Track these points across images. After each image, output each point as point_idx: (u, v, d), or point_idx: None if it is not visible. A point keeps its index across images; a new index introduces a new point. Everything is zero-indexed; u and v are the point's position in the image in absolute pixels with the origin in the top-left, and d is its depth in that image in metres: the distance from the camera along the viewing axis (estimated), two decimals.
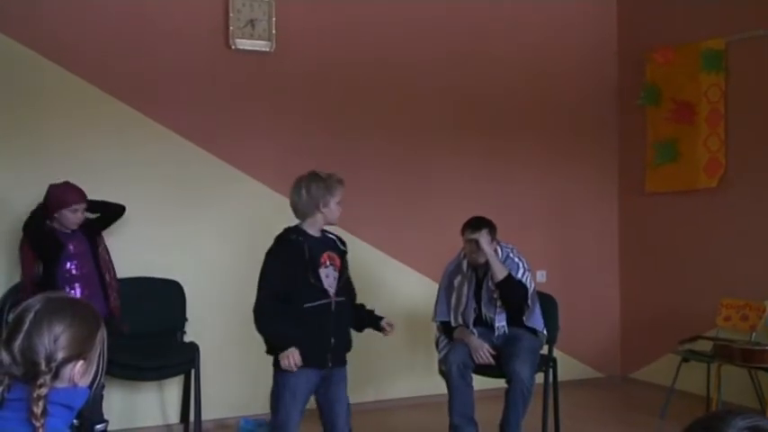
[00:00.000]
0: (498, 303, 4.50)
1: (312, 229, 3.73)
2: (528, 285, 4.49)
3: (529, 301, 4.49)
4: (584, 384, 6.21)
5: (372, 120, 5.75)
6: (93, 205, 4.68)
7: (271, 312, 3.63)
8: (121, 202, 4.80)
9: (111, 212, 4.76)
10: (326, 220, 3.73)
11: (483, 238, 4.45)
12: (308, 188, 3.69)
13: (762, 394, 5.15)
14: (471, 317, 4.55)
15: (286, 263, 3.65)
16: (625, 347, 6.53)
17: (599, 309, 6.48)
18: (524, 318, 4.51)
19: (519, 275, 4.47)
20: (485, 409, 4.61)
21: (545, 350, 4.69)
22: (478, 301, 4.56)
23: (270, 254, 3.72)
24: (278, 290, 3.63)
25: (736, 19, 5.59)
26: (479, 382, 4.62)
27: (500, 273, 4.42)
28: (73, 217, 4.45)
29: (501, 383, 4.46)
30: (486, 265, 4.49)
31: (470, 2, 6.02)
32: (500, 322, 4.51)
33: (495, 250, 4.50)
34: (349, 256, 3.87)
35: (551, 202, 6.33)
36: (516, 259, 4.55)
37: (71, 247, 4.47)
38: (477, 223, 4.52)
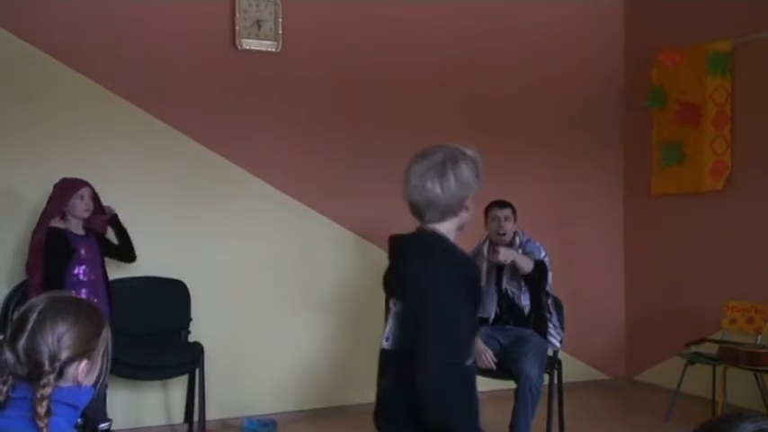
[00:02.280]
0: (522, 281, 4.58)
1: (453, 237, 2.44)
2: (548, 265, 4.61)
3: (549, 277, 4.60)
4: (589, 386, 6.19)
5: (378, 120, 5.74)
6: (122, 232, 4.72)
7: (470, 382, 2.35)
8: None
9: (125, 250, 4.76)
10: (463, 222, 2.49)
11: (509, 217, 4.69)
12: (458, 172, 2.39)
13: None
14: (494, 297, 4.63)
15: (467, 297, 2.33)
16: (630, 349, 6.51)
17: (604, 310, 6.46)
18: (547, 287, 4.63)
19: (541, 257, 4.61)
20: (489, 410, 4.58)
21: (550, 352, 4.69)
22: (500, 277, 4.64)
23: (453, 278, 2.28)
24: (465, 345, 2.31)
25: (743, 21, 5.57)
26: (485, 384, 4.59)
27: (527, 266, 4.49)
28: (81, 204, 4.43)
29: (507, 385, 4.46)
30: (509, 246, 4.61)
31: (476, 2, 6.01)
32: (525, 301, 4.62)
33: (516, 232, 4.69)
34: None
35: (557, 203, 6.32)
36: (537, 242, 4.71)
37: (82, 251, 4.44)
38: (503, 202, 4.74)
